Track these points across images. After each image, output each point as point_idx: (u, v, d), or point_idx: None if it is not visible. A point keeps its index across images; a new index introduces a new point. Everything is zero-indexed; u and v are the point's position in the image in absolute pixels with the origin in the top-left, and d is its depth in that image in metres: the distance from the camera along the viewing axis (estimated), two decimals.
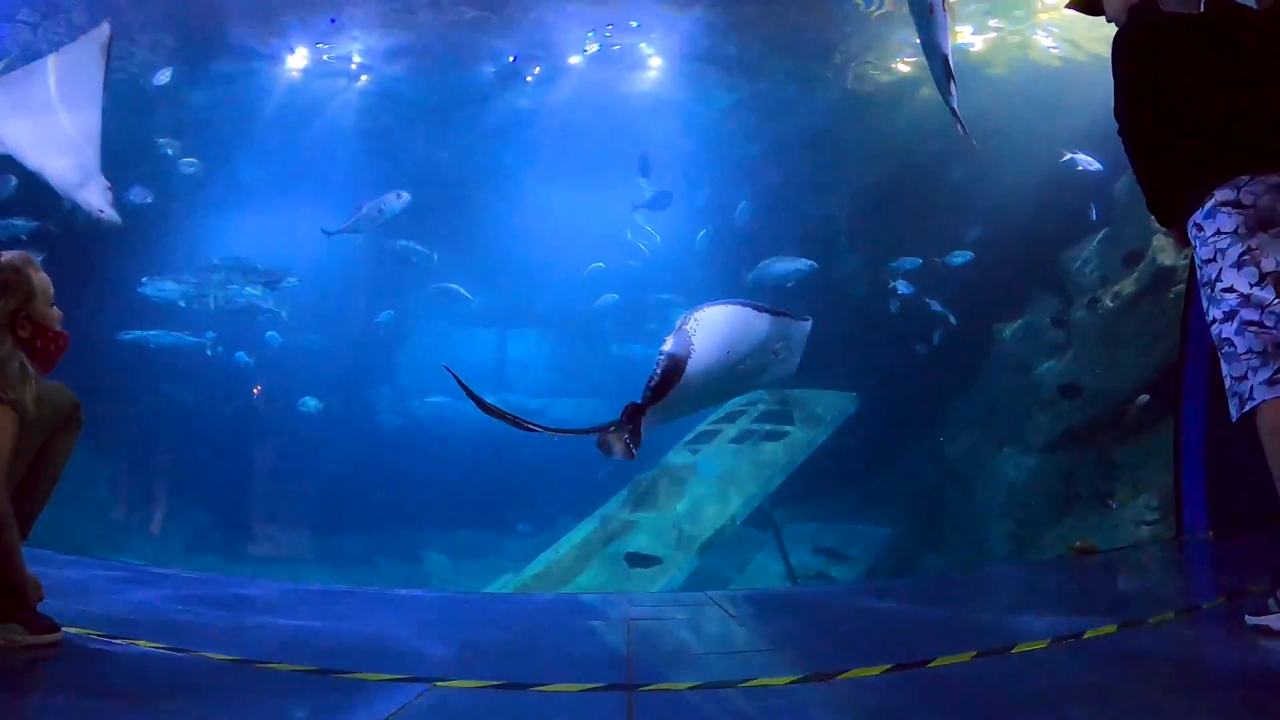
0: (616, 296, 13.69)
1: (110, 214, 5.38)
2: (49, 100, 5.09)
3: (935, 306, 11.53)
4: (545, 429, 5.01)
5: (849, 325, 11.44)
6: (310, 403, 12.94)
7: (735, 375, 5.11)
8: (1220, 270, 2.74)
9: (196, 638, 3.07)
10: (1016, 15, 11.16)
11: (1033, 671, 2.57)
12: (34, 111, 5.11)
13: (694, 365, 4.76)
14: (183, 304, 11.86)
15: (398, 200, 11.92)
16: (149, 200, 11.26)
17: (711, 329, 4.83)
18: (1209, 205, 2.76)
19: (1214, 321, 2.80)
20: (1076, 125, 10.73)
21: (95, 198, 5.33)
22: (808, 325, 5.29)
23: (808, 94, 12.44)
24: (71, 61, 5.09)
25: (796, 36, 11.50)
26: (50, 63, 5.14)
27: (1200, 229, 2.80)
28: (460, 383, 4.62)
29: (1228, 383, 2.79)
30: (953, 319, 11.67)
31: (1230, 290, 2.71)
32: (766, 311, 4.99)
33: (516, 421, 4.82)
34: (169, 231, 12.36)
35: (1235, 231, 2.70)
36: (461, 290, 13.53)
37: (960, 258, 11.51)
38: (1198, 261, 2.86)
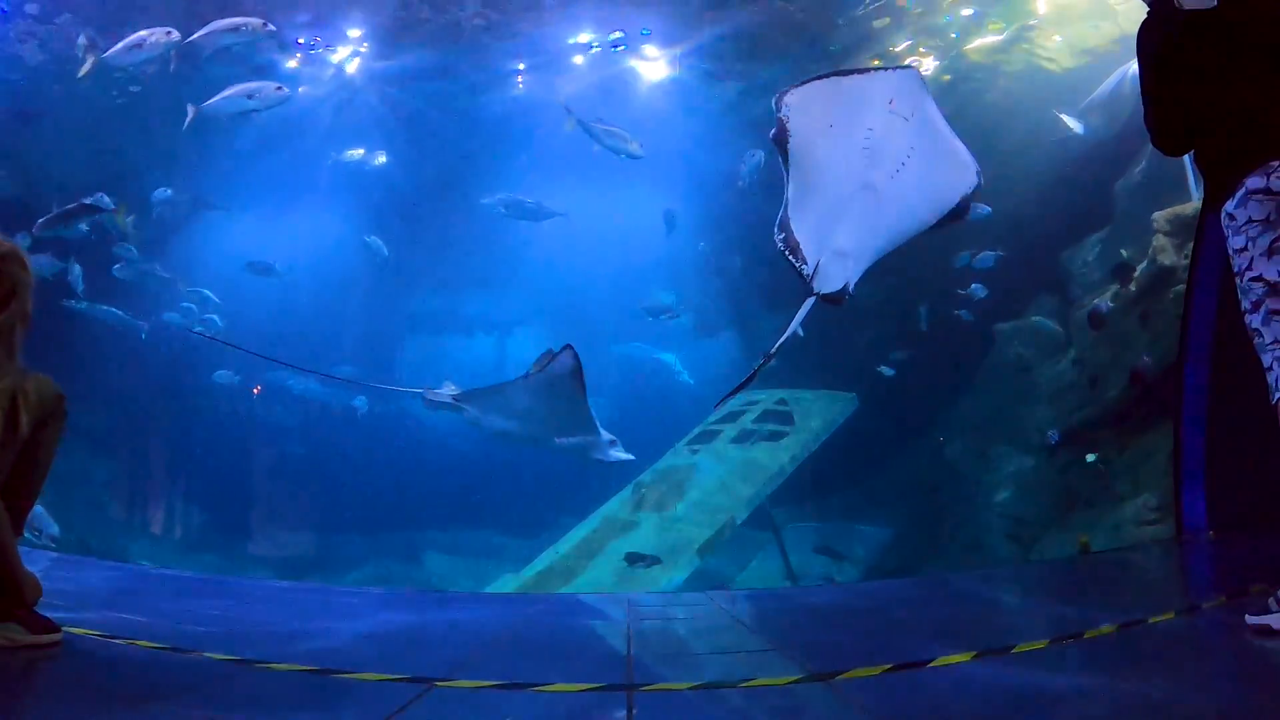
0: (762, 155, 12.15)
1: (625, 456, 7.35)
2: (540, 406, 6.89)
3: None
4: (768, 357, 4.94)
5: (849, 325, 11.42)
6: (224, 375, 12.50)
7: (875, 160, 4.34)
8: (1251, 259, 2.73)
9: (196, 638, 3.06)
10: (1018, 15, 11.17)
11: (1033, 671, 2.56)
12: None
13: (803, 164, 4.15)
14: (50, 277, 10.82)
15: (637, 149, 11.42)
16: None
17: (795, 119, 4.23)
18: (1240, 194, 2.74)
19: (1244, 312, 2.79)
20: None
21: (605, 451, 7.21)
22: (911, 70, 4.53)
23: None
24: (548, 381, 6.67)
25: (794, 35, 11.51)
26: (528, 384, 6.85)
27: (1232, 218, 2.79)
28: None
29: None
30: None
31: (1259, 280, 2.70)
32: (836, 73, 4.34)
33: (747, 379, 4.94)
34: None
35: (1266, 219, 2.68)
36: (275, 266, 12.52)
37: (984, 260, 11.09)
38: (1230, 251, 2.84)
